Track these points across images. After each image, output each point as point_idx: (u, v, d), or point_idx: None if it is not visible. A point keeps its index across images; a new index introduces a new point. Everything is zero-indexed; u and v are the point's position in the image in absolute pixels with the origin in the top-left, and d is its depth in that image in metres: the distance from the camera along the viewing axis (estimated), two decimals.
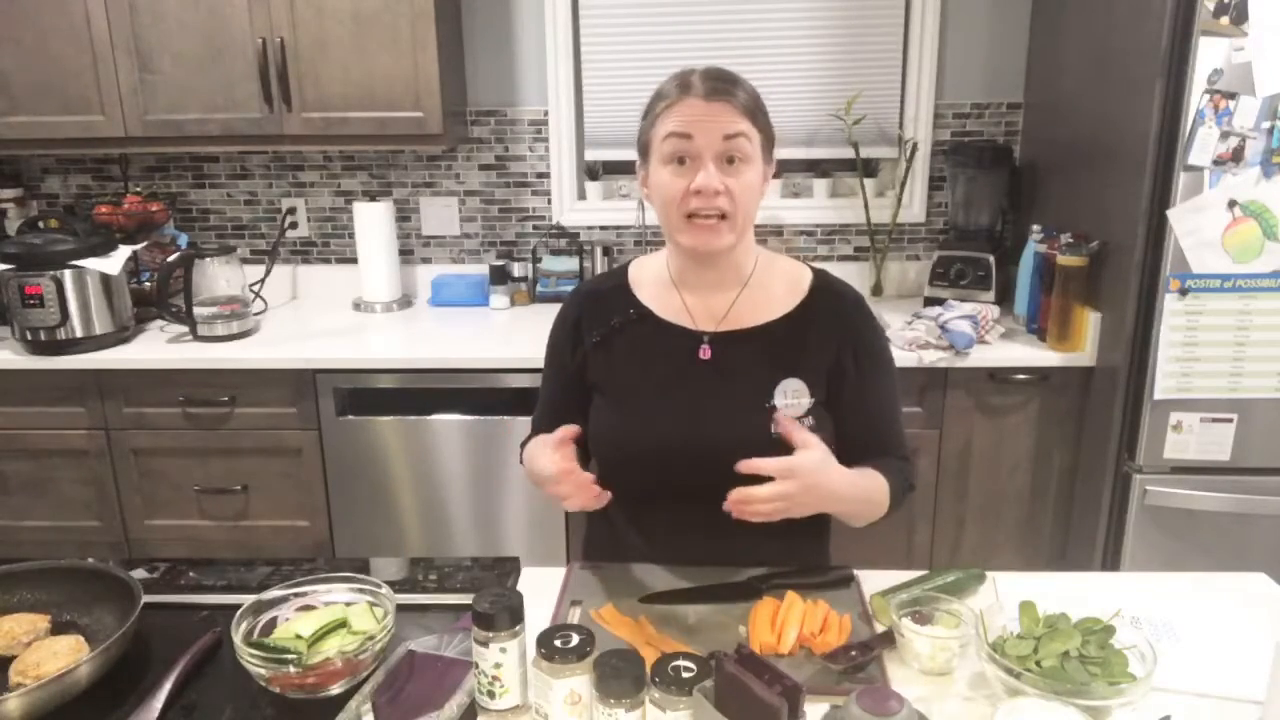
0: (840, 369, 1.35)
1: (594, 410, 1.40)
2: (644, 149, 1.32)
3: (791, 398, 1.31)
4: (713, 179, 1.23)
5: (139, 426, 2.39)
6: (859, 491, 1.27)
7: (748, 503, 1.13)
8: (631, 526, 1.40)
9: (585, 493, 1.19)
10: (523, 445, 1.50)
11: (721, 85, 1.25)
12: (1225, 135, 1.90)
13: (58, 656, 1.07)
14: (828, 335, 1.35)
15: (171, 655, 1.11)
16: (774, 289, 1.37)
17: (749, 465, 1.13)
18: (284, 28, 2.40)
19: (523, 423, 2.34)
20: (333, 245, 2.93)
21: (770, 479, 1.13)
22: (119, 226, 2.63)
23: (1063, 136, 2.46)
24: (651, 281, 1.41)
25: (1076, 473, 2.34)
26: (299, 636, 1.07)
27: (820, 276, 1.40)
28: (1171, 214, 1.96)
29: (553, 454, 1.20)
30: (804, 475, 1.14)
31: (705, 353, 1.35)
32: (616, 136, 2.80)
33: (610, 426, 1.37)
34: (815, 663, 1.10)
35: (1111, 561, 2.20)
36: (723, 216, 1.25)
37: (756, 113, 1.27)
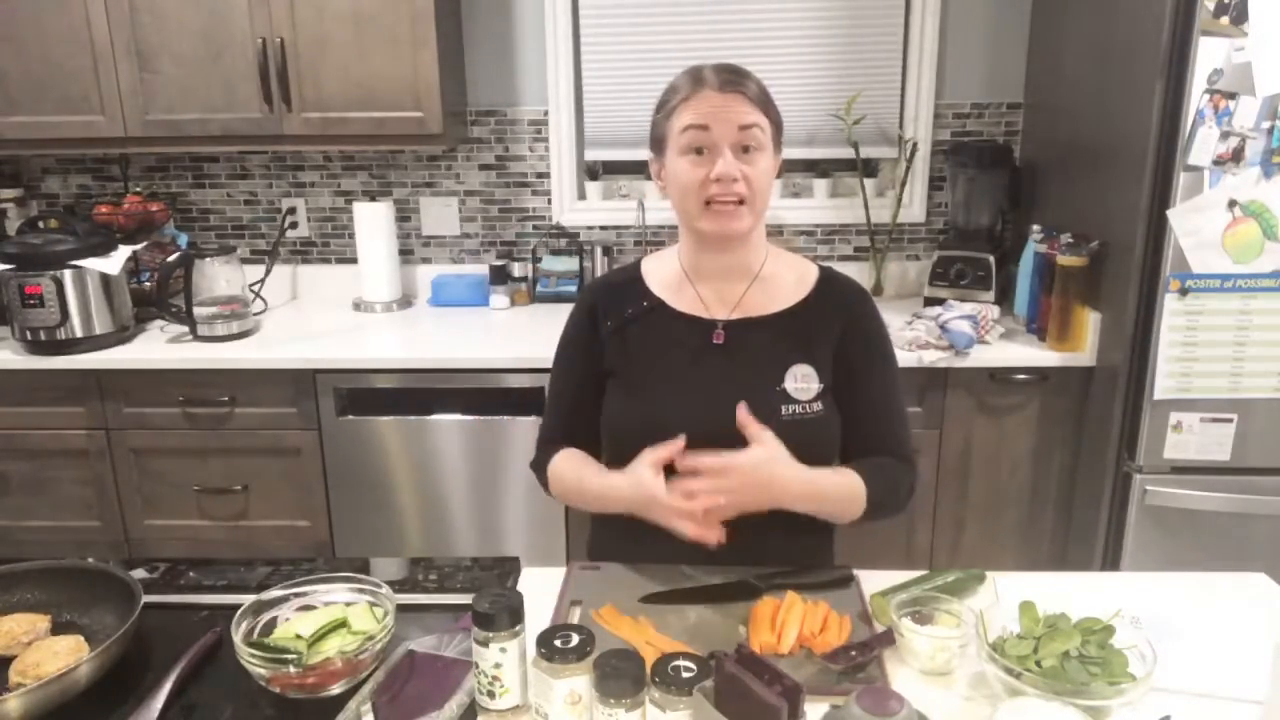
0: (844, 356, 1.38)
1: (607, 396, 1.42)
2: (659, 142, 1.36)
3: (801, 382, 1.34)
4: (731, 167, 1.27)
5: (139, 426, 2.39)
6: (817, 490, 1.28)
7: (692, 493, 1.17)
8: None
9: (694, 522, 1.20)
10: (538, 462, 1.48)
11: (734, 78, 1.30)
12: (1225, 135, 1.90)
13: (58, 656, 1.07)
14: (833, 322, 1.38)
15: (171, 655, 1.11)
16: (783, 281, 1.41)
17: (694, 462, 1.18)
18: (284, 28, 2.40)
19: (523, 423, 2.35)
20: (333, 245, 2.93)
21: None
22: (119, 226, 2.63)
23: (1063, 136, 2.46)
24: (664, 275, 1.44)
25: (1076, 473, 2.34)
26: (299, 636, 1.07)
27: (826, 270, 1.44)
28: (1171, 214, 1.96)
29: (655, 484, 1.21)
30: (741, 473, 1.17)
31: (719, 337, 1.37)
32: (616, 136, 2.80)
33: (623, 410, 1.39)
34: (815, 663, 1.10)
35: (1111, 561, 2.20)
36: (741, 201, 1.30)
37: (767, 104, 1.32)
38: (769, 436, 1.21)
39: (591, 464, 1.40)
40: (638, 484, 1.23)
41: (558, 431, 1.48)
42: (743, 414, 1.21)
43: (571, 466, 1.42)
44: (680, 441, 1.21)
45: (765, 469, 1.20)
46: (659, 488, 1.20)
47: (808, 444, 1.31)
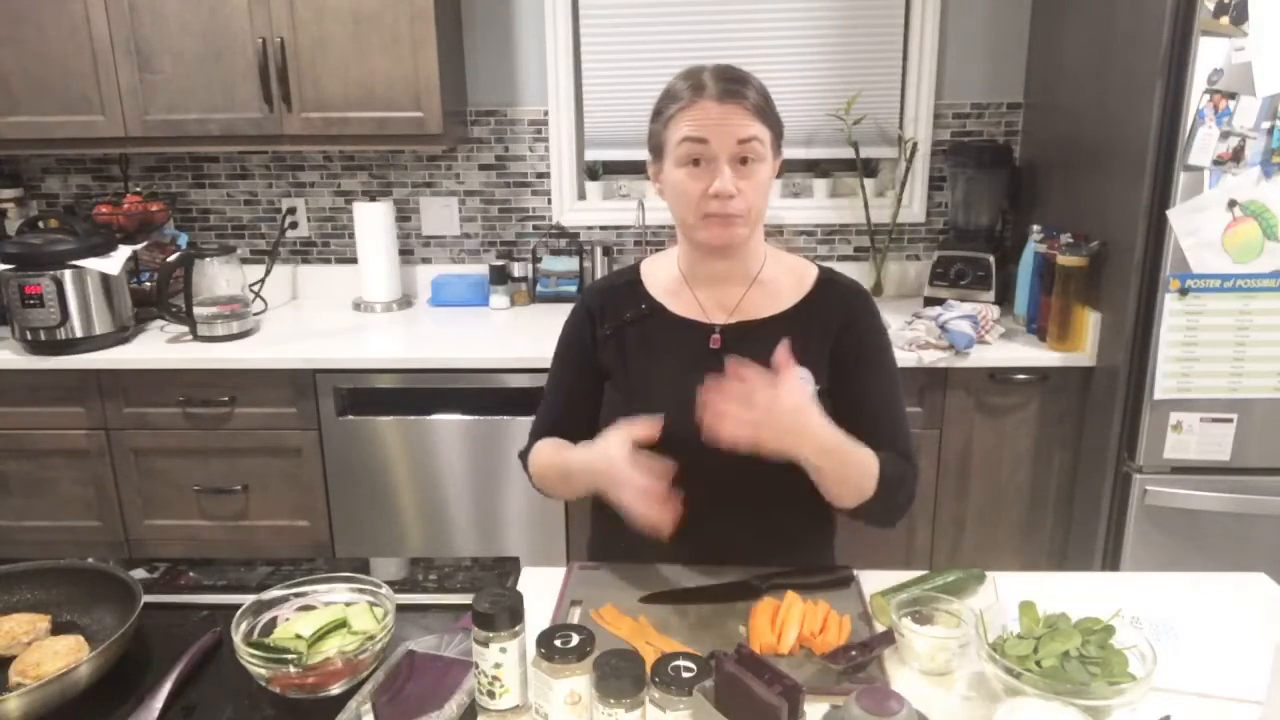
0: (841, 358, 1.37)
1: (605, 399, 1.42)
2: (657, 149, 1.34)
3: None
4: (728, 183, 1.25)
5: (139, 426, 2.39)
6: (840, 449, 1.20)
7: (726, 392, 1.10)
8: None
9: (655, 505, 1.15)
10: (525, 452, 1.49)
11: (733, 87, 1.27)
12: (1225, 135, 1.90)
13: (58, 656, 1.07)
14: (831, 324, 1.37)
15: (171, 655, 1.11)
16: (782, 283, 1.40)
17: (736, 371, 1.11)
18: (284, 28, 2.40)
19: (523, 423, 2.34)
20: (333, 245, 2.93)
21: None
22: (119, 226, 2.63)
23: (1063, 136, 2.46)
24: (663, 278, 1.44)
25: (1076, 473, 2.34)
26: (299, 636, 1.07)
27: (826, 271, 1.43)
28: (1171, 214, 1.96)
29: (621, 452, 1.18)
30: (769, 403, 1.10)
31: (716, 342, 1.37)
32: (616, 136, 2.80)
33: (620, 414, 1.38)
34: (815, 663, 1.10)
35: (1111, 561, 2.20)
36: (738, 215, 1.28)
37: (767, 111, 1.30)
38: (807, 375, 1.19)
39: (567, 445, 1.37)
40: (603, 454, 1.21)
41: (549, 429, 1.48)
42: (782, 353, 1.14)
43: (550, 450, 1.41)
44: (657, 425, 1.20)
45: (791, 413, 1.13)
46: (622, 458, 1.17)
47: None
